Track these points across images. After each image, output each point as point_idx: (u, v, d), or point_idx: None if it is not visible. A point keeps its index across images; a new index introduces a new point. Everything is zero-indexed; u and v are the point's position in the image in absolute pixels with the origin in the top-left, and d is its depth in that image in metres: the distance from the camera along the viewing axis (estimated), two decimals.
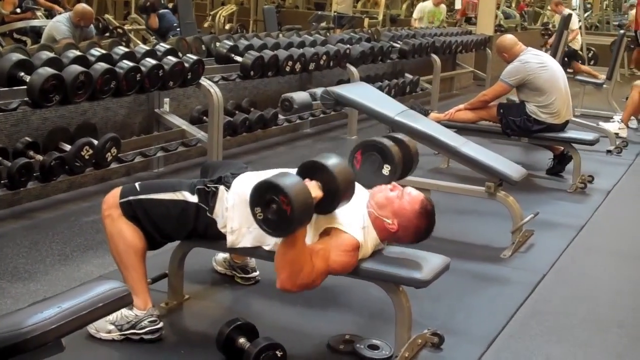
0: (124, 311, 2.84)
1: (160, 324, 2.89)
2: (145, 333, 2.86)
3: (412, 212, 2.79)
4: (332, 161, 2.65)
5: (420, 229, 2.82)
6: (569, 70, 11.24)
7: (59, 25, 7.53)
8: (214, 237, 2.88)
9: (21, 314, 1.60)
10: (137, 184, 2.94)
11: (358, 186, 2.96)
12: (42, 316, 1.54)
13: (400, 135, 3.38)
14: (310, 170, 2.65)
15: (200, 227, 2.87)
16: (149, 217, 2.85)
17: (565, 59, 8.89)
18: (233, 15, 13.98)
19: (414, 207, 2.79)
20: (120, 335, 2.86)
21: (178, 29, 9.25)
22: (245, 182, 2.86)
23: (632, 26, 13.43)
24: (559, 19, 11.53)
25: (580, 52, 11.70)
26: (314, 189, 2.58)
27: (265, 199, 2.50)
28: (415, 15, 12.37)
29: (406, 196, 2.82)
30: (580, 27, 14.38)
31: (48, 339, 1.53)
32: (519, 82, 5.58)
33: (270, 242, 2.81)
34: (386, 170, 3.05)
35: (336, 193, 2.62)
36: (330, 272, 2.71)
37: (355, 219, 2.75)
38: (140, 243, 2.85)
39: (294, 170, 2.69)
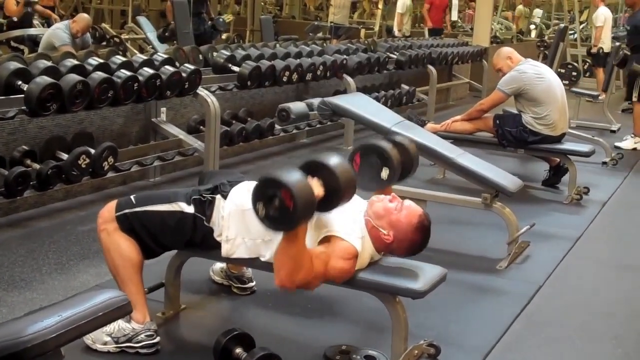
0: (122, 323, 2.84)
1: (157, 339, 2.88)
2: (142, 347, 2.85)
3: (409, 226, 2.78)
4: (333, 160, 2.65)
5: (414, 243, 2.81)
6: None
7: (58, 32, 7.56)
8: (212, 247, 2.88)
9: (21, 323, 1.59)
10: (132, 197, 2.92)
11: (356, 195, 2.97)
12: (42, 325, 1.54)
13: (400, 139, 3.34)
14: (312, 168, 2.63)
15: (198, 237, 2.87)
16: (146, 229, 2.85)
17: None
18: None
19: (411, 220, 2.79)
20: (116, 347, 2.85)
21: None
22: (243, 192, 2.87)
23: None
24: (595, 12, 11.49)
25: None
26: (316, 187, 2.56)
27: (268, 194, 2.48)
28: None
29: (405, 209, 2.82)
30: (575, 39, 14.44)
31: (48, 348, 1.53)
32: (515, 92, 5.60)
33: (266, 254, 2.81)
34: (385, 173, 3.01)
35: (337, 191, 2.61)
36: (328, 278, 2.70)
37: (354, 228, 2.75)
38: (137, 256, 2.84)
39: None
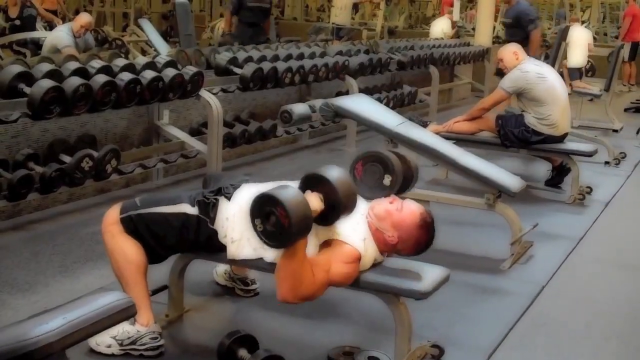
0: (126, 326, 2.84)
1: (161, 341, 2.89)
2: (146, 350, 2.86)
3: (412, 224, 2.79)
4: (333, 173, 2.66)
5: (419, 241, 2.82)
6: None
7: (61, 34, 7.60)
8: (216, 249, 2.88)
9: (26, 325, 1.60)
10: (137, 199, 2.94)
11: (358, 197, 2.97)
12: (46, 327, 1.55)
13: (400, 150, 3.39)
14: (312, 181, 2.66)
15: (201, 239, 2.88)
16: (150, 231, 2.86)
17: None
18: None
19: (414, 219, 2.79)
20: (120, 350, 2.86)
21: None
22: (246, 193, 2.87)
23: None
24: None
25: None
26: (315, 201, 2.59)
27: (265, 211, 2.52)
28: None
29: (406, 208, 2.82)
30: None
31: (53, 350, 1.53)
32: (517, 91, 5.59)
33: (270, 255, 2.81)
34: (387, 180, 3.04)
35: (338, 205, 2.63)
36: (332, 284, 2.71)
37: (356, 230, 2.76)
38: (142, 259, 2.85)
39: (295, 183, 2.70)
